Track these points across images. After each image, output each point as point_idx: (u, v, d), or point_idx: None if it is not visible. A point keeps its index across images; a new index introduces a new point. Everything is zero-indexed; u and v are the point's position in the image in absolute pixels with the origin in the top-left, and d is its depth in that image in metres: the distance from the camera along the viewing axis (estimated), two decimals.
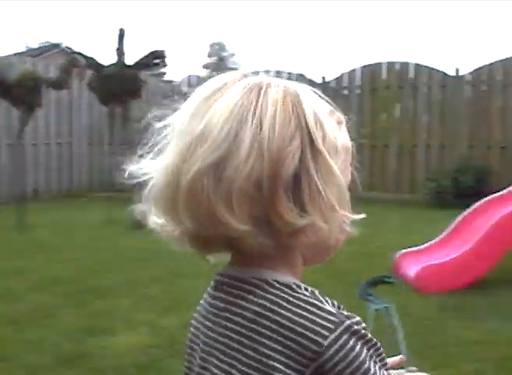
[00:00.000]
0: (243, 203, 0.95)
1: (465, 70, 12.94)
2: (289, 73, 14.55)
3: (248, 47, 78.21)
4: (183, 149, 0.99)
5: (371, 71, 13.76)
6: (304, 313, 0.98)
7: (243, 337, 1.01)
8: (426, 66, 13.27)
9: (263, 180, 0.95)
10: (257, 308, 1.01)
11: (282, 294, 1.01)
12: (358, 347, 0.97)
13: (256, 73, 1.08)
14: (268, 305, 1.00)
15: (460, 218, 6.60)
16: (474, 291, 5.75)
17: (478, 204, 6.64)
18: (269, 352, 0.97)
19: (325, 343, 0.96)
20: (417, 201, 12.49)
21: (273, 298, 1.01)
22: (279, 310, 0.99)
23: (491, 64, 12.66)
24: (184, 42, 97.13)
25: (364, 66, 13.86)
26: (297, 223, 0.96)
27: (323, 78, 14.28)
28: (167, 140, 1.05)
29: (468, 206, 6.76)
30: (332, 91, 14.07)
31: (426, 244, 6.65)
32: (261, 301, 1.01)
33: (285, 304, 0.99)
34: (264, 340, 0.98)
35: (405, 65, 13.43)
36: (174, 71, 79.15)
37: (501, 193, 6.67)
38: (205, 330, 1.09)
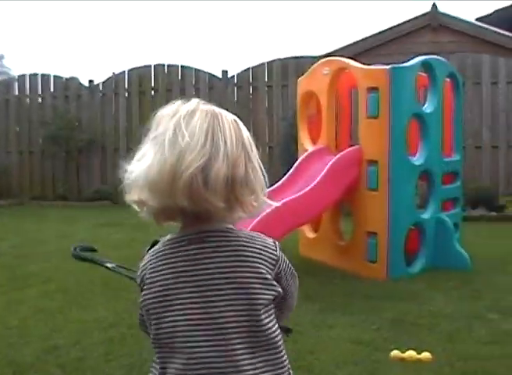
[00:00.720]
0: (221, 190, 1.51)
1: (232, 72, 13.15)
2: (59, 77, 13.99)
3: (19, 49, 75.03)
4: (175, 155, 1.50)
5: (138, 74, 13.54)
6: (264, 240, 1.65)
7: (236, 261, 1.58)
8: (194, 68, 13.29)
9: (229, 177, 1.52)
10: (240, 242, 1.61)
11: (246, 233, 1.64)
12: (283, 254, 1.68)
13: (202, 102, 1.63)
14: (245, 238, 1.62)
15: None
16: None
17: None
18: (258, 265, 1.59)
19: (277, 254, 1.65)
20: None
21: (243, 234, 1.63)
22: (252, 240, 1.62)
23: (256, 66, 12.95)
24: None
25: (132, 69, 13.60)
26: (245, 202, 1.57)
27: (91, 81, 13.82)
28: (151, 146, 1.56)
29: None
30: (99, 94, 13.71)
31: None
32: (239, 238, 1.62)
33: (251, 237, 1.64)
34: (253, 259, 1.59)
35: (173, 67, 13.36)
36: None
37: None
38: (190, 273, 1.58)
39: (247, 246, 1.60)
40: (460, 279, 5.99)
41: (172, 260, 1.60)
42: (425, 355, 3.98)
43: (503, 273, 6.33)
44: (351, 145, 6.76)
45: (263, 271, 1.59)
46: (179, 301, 1.57)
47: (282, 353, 1.62)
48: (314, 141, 7.09)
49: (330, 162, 6.20)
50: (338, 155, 6.31)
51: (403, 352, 4.01)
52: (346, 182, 6.25)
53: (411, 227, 6.42)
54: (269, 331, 1.59)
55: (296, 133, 7.65)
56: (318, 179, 6.09)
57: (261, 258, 1.60)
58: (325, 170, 6.12)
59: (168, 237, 1.64)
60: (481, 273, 6.28)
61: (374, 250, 6.15)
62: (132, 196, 1.58)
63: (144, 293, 1.64)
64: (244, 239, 1.61)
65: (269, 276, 1.60)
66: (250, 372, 1.55)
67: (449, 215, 6.73)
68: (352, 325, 4.68)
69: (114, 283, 5.94)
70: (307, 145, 7.10)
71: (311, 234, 7.15)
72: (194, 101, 1.62)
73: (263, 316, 1.58)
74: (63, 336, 4.55)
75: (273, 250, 1.63)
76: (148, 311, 1.62)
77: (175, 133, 1.53)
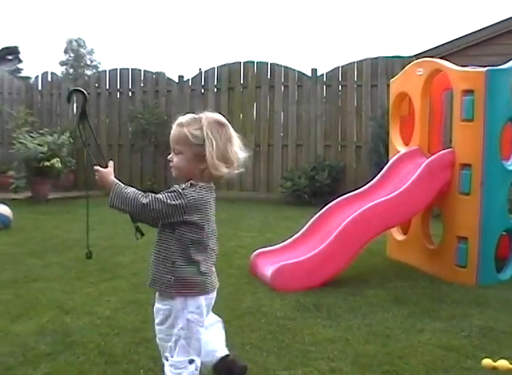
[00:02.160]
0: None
1: (322, 70, 13.13)
2: (149, 72, 14.30)
3: (108, 44, 76.53)
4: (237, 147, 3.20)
5: (228, 70, 13.68)
6: None
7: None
8: (283, 66, 13.34)
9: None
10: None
11: None
12: None
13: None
14: None
15: (315, 216, 6.52)
16: (331, 290, 5.70)
17: (332, 203, 6.59)
18: None
19: None
20: (274, 200, 12.55)
21: None
22: None
23: (346, 65, 12.90)
24: (41, 38, 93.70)
25: (222, 65, 13.75)
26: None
27: (180, 77, 14.05)
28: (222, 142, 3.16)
29: (325, 205, 6.72)
30: (189, 89, 13.91)
31: (282, 243, 6.54)
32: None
33: None
34: None
35: (262, 64, 13.44)
36: (31, 67, 75.96)
37: (355, 192, 6.66)
38: (212, 200, 3.10)
39: None
40: None
41: (206, 194, 3.04)
42: None
43: None
44: (443, 148, 6.66)
45: None
46: (209, 213, 3.08)
47: None
48: (405, 143, 7.03)
49: (423, 165, 6.14)
50: (431, 158, 6.23)
51: (495, 361, 3.95)
52: (439, 185, 6.17)
53: (502, 233, 6.29)
54: None
55: (384, 134, 7.61)
56: (410, 181, 6.04)
57: None
58: (418, 172, 6.07)
59: (201, 184, 3.02)
60: None
61: (464, 255, 6.05)
62: (226, 169, 3.05)
63: (192, 211, 3.00)
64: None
65: None
66: None
67: None
68: (441, 330, 4.63)
69: None
70: (398, 146, 7.05)
71: (399, 237, 7.09)
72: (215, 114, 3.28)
73: None
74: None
75: None
76: (198, 217, 3.02)
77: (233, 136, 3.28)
